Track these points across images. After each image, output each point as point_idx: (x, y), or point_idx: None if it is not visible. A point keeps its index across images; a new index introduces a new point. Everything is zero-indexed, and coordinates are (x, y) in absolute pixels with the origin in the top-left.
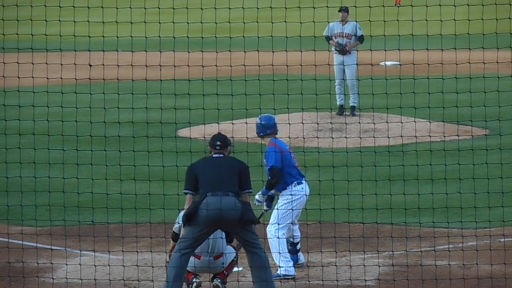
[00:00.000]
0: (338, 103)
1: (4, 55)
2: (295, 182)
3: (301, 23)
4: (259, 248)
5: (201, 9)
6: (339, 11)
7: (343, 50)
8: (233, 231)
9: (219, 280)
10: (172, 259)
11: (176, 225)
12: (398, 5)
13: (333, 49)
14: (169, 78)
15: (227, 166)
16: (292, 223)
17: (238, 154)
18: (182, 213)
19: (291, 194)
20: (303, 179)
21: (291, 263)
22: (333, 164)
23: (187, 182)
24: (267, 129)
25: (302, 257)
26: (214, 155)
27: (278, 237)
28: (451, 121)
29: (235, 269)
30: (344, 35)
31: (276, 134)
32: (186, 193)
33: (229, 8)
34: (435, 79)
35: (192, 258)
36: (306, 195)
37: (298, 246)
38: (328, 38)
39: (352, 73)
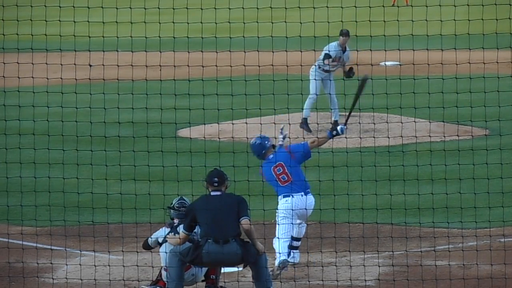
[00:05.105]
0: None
1: (4, 55)
2: (282, 195)
3: (301, 23)
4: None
5: (201, 9)
6: (340, 34)
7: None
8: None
9: None
10: (171, 259)
11: (152, 240)
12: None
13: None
14: (169, 78)
15: (226, 205)
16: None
17: (238, 154)
18: (162, 231)
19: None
20: (292, 193)
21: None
22: (333, 164)
23: (186, 223)
24: (266, 145)
25: (297, 255)
26: (212, 193)
27: (278, 238)
28: (451, 121)
29: (235, 269)
30: (339, 60)
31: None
32: (182, 231)
33: (229, 8)
34: (435, 79)
35: (164, 272)
36: (295, 209)
37: (296, 243)
38: (328, 56)
39: (334, 88)
